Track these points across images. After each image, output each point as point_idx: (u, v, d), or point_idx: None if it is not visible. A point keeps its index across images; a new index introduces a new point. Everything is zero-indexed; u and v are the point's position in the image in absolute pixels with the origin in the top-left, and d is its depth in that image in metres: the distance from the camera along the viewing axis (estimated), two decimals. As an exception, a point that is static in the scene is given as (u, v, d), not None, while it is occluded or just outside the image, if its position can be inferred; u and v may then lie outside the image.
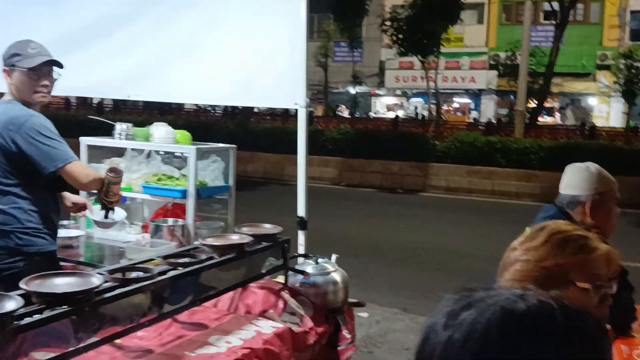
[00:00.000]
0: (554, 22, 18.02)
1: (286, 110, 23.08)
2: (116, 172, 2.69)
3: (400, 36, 18.18)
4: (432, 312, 0.77)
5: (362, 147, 14.43)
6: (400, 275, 6.72)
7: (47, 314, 1.63)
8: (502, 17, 28.02)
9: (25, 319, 1.59)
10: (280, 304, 2.72)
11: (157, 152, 3.69)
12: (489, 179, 13.11)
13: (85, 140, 3.63)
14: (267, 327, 2.42)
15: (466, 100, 29.14)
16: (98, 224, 3.30)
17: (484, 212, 11.20)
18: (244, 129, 15.28)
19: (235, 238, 2.53)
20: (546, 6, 21.15)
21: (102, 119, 3.67)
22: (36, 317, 1.62)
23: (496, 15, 28.00)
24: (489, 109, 28.11)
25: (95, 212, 3.00)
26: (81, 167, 2.67)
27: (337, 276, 2.96)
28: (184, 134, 3.72)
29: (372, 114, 28.63)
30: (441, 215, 10.63)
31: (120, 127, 3.63)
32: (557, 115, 27.26)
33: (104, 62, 3.62)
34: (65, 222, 3.69)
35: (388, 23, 18.49)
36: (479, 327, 0.67)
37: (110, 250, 3.51)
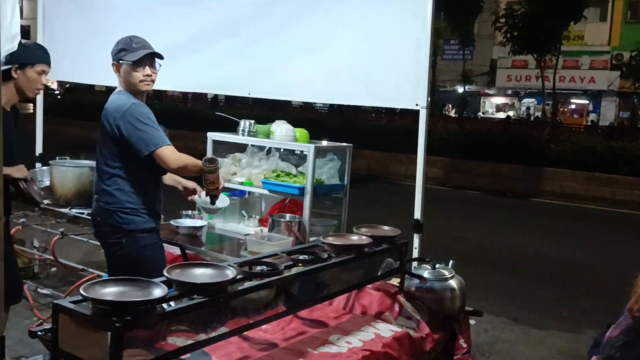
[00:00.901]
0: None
1: (392, 108, 22.93)
2: (211, 161, 2.81)
3: (516, 33, 17.47)
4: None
5: (470, 148, 14.03)
6: (509, 284, 6.44)
7: (185, 302, 1.72)
8: (627, 15, 26.03)
9: (166, 305, 1.69)
10: (396, 307, 2.69)
11: (277, 149, 3.78)
12: (608, 186, 12.26)
13: (212, 135, 3.80)
14: (386, 330, 2.41)
15: (584, 101, 27.43)
16: (204, 209, 3.47)
17: (602, 223, 10.50)
18: (350, 125, 15.36)
19: (354, 239, 2.54)
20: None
21: (228, 116, 3.82)
22: (175, 305, 1.71)
23: (620, 13, 26.07)
24: (609, 112, 26.30)
25: (202, 197, 3.16)
26: (171, 152, 2.80)
27: (455, 282, 2.88)
28: (302, 132, 3.79)
29: (480, 114, 27.76)
30: (554, 223, 10.08)
31: (244, 123, 3.77)
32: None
33: (228, 61, 3.77)
34: (189, 212, 3.90)
35: (502, 20, 17.82)
36: None
37: (229, 241, 3.65)
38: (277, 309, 2.19)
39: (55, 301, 1.61)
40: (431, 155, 14.53)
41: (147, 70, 2.89)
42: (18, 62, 2.85)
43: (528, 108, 28.03)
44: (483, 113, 28.88)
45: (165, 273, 1.80)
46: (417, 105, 3.31)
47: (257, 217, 3.91)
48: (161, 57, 2.95)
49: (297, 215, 3.53)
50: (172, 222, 3.64)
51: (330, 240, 2.50)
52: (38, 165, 5.41)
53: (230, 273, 1.85)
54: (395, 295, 2.77)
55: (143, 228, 2.96)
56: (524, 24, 16.78)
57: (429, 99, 3.29)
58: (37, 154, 5.53)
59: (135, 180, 2.92)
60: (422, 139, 3.34)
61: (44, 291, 4.89)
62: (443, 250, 7.33)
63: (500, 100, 30.20)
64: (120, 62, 2.89)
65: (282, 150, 3.77)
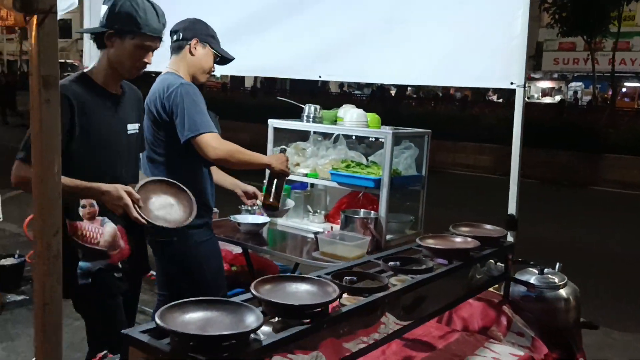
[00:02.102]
0: None
1: (436, 94, 22.26)
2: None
3: (564, 14, 16.66)
4: None
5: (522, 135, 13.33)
6: (582, 282, 5.92)
7: (284, 331, 1.35)
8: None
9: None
10: (503, 321, 2.29)
11: (347, 136, 3.40)
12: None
13: (273, 123, 3.43)
14: (506, 354, 2.01)
15: (636, 84, 26.19)
16: (267, 213, 3.14)
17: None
18: (394, 113, 14.86)
19: (458, 241, 2.14)
20: None
21: (291, 101, 3.45)
22: (271, 334, 1.35)
23: (675, -10, 24.69)
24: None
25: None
26: (213, 140, 2.53)
27: (568, 291, 2.46)
28: (373, 117, 3.39)
29: (526, 99, 26.77)
30: (617, 214, 9.44)
31: (308, 109, 3.39)
32: None
33: (295, 41, 3.38)
34: (249, 207, 3.56)
35: (550, 1, 17.00)
36: None
37: (294, 239, 3.29)
38: (376, 327, 1.82)
39: (124, 331, 1.27)
40: (480, 142, 13.90)
41: (214, 66, 2.82)
42: (117, 26, 2.12)
43: (575, 92, 26.97)
44: (528, 98, 27.85)
45: (253, 290, 1.44)
46: (512, 83, 2.88)
47: (323, 212, 3.54)
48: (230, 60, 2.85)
49: (372, 211, 3.15)
50: (231, 217, 3.30)
51: (431, 243, 2.10)
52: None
53: (332, 290, 1.48)
54: (501, 306, 2.36)
55: (195, 224, 2.60)
56: (573, 5, 15.95)
57: (527, 76, 2.84)
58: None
59: (184, 169, 2.63)
60: (518, 123, 2.91)
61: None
62: None
63: (546, 84, 29.16)
64: (205, 44, 2.72)
65: (353, 137, 3.38)
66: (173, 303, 1.33)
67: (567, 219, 8.78)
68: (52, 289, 1.16)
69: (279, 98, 3.64)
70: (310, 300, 1.45)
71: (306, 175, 3.39)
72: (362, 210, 3.18)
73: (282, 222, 3.48)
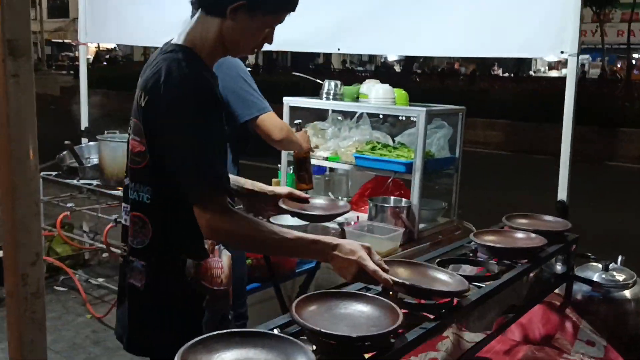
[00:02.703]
0: None
1: (442, 69, 21.77)
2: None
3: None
4: None
5: (532, 109, 12.99)
6: None
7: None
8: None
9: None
10: (569, 327, 1.98)
11: (372, 115, 3.06)
12: (692, 148, 11.14)
13: (289, 101, 3.09)
14: (585, 373, 1.71)
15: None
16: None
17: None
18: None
19: (520, 237, 1.82)
20: None
21: (308, 77, 3.11)
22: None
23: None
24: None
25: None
26: (276, 119, 2.34)
27: (637, 289, 2.15)
28: (400, 94, 3.05)
29: (532, 73, 26.26)
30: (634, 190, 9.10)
31: (328, 85, 3.05)
32: None
33: (312, 12, 3.01)
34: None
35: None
36: None
37: (314, 231, 2.96)
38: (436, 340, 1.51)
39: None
40: (490, 118, 13.45)
41: None
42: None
43: (583, 65, 26.37)
44: (534, 72, 27.37)
45: (295, 315, 1.13)
46: (562, 53, 2.54)
47: (345, 199, 3.22)
48: None
49: (402, 199, 2.83)
50: (271, 220, 2.96)
51: (489, 240, 1.78)
52: (84, 140, 4.84)
53: (394, 315, 1.16)
54: (563, 309, 2.05)
55: None
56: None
57: (581, 45, 2.50)
58: (82, 127, 4.95)
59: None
60: (570, 97, 2.60)
61: (97, 281, 4.37)
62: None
63: (552, 57, 28.56)
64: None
65: (381, 116, 3.05)
66: (196, 340, 1.02)
67: (593, 199, 8.43)
68: (34, 345, 0.83)
69: (295, 74, 3.29)
70: (368, 328, 1.13)
71: (327, 158, 3.06)
72: (392, 197, 2.86)
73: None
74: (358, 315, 1.19)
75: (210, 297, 1.53)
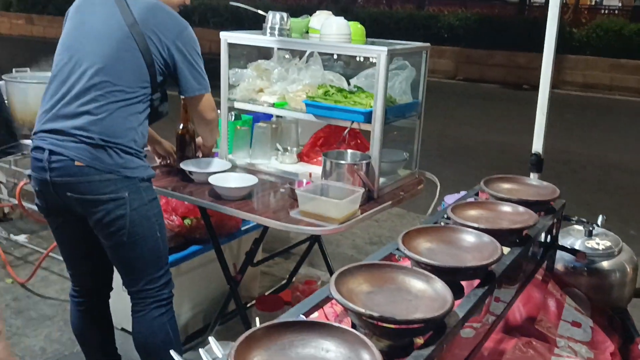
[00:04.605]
0: None
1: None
2: None
3: None
4: None
5: (482, 36, 12.74)
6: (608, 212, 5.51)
7: None
8: None
9: None
10: (552, 307, 1.75)
11: (326, 54, 2.66)
12: (636, 74, 11.20)
13: (226, 36, 2.62)
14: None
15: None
16: None
17: (634, 116, 9.57)
18: (350, 12, 13.82)
19: (506, 211, 1.53)
20: None
21: (248, 7, 2.65)
22: None
23: None
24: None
25: None
26: (212, 99, 2.27)
27: (624, 257, 1.93)
28: (355, 27, 2.63)
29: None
30: (582, 118, 9.12)
31: (272, 17, 2.60)
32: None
33: None
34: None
35: None
36: None
37: (261, 188, 2.60)
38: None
39: None
40: (439, 45, 13.17)
41: None
42: None
43: (529, -12, 26.06)
44: (481, -5, 26.88)
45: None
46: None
47: (294, 149, 2.86)
48: None
49: (360, 153, 2.49)
50: (181, 165, 2.58)
51: (470, 218, 1.48)
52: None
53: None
54: (545, 284, 1.81)
55: (149, 175, 2.09)
56: None
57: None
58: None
59: (145, 113, 2.10)
60: (552, 29, 2.27)
61: (19, 238, 3.92)
62: (464, 158, 6.45)
63: None
64: None
65: (335, 56, 2.64)
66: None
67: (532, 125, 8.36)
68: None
69: (232, 3, 2.81)
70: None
71: (273, 105, 2.66)
72: (348, 151, 2.51)
73: (245, 165, 2.79)
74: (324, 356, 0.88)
75: None
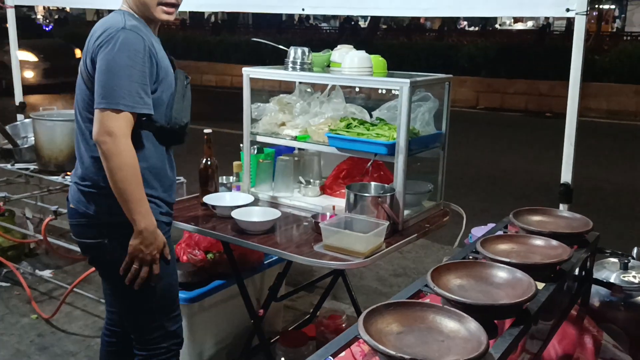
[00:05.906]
0: None
1: (407, 24, 21.20)
2: None
3: None
4: None
5: (502, 65, 12.74)
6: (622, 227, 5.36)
7: None
8: None
9: None
10: (589, 344, 1.68)
11: (348, 88, 2.66)
12: (662, 100, 11.06)
13: (249, 72, 2.65)
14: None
15: (609, 6, 25.48)
16: None
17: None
18: (369, 45, 13.95)
19: (539, 245, 1.48)
20: None
21: (270, 43, 2.68)
22: None
23: None
24: (636, 16, 24.41)
25: None
26: (114, 122, 1.80)
27: (662, 291, 1.86)
28: (377, 61, 2.64)
29: (497, 26, 25.89)
30: (607, 145, 8.96)
31: (294, 52, 2.62)
32: None
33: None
34: (223, 179, 2.84)
35: None
36: None
37: (284, 221, 2.58)
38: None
39: None
40: (460, 75, 13.21)
41: None
42: None
43: (547, 17, 26.12)
44: (500, 25, 27.00)
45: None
46: (568, 10, 2.17)
47: (317, 182, 2.84)
48: None
49: (385, 185, 2.46)
50: (204, 199, 2.58)
51: (500, 253, 1.43)
52: (20, 117, 4.32)
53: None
54: (580, 320, 1.75)
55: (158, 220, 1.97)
56: None
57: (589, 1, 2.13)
58: (17, 103, 4.41)
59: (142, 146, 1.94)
60: (577, 59, 2.23)
61: (44, 273, 3.94)
62: (487, 187, 6.37)
63: (555, 14, 28.14)
64: None
65: (356, 88, 2.65)
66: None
67: (557, 152, 8.24)
68: None
69: (254, 39, 2.84)
70: None
71: (296, 138, 2.66)
72: (372, 183, 2.49)
73: (268, 197, 2.78)
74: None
75: None
